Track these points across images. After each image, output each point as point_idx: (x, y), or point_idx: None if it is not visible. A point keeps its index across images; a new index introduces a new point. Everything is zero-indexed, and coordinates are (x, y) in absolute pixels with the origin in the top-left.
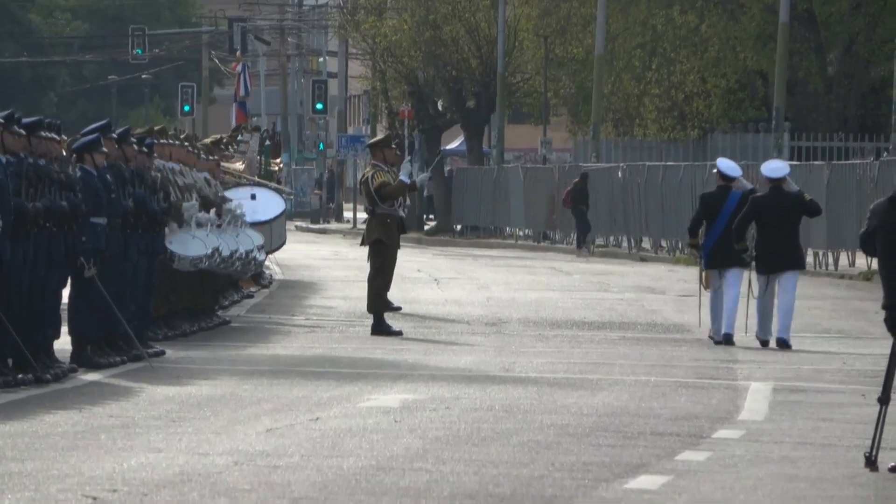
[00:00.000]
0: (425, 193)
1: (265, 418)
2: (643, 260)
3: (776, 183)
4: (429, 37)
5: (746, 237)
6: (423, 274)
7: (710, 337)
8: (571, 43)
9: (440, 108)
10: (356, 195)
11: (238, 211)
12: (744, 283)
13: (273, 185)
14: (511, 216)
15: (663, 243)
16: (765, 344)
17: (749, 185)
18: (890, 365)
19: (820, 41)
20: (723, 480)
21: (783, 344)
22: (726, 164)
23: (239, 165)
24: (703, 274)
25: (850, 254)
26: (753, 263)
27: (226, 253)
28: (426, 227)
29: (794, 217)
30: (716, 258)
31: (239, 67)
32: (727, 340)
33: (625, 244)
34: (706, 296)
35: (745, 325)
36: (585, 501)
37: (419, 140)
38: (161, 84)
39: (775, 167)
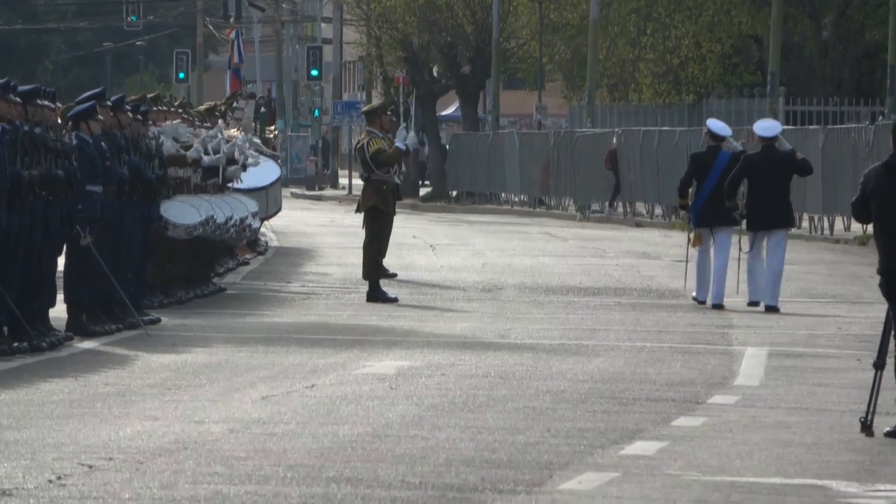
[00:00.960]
0: (419, 158)
1: (261, 386)
2: (638, 225)
3: (768, 142)
4: (423, 2)
5: (737, 195)
6: (418, 240)
7: (694, 298)
8: (566, 8)
9: (435, 73)
10: (351, 162)
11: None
12: (734, 247)
13: (267, 150)
14: (506, 182)
15: (658, 209)
16: (754, 304)
17: (739, 147)
18: (885, 330)
19: (814, 5)
20: (718, 446)
21: (772, 310)
22: (716, 125)
23: (234, 132)
24: (692, 234)
25: (845, 218)
26: (744, 222)
27: (220, 220)
28: (422, 193)
29: (786, 175)
30: (705, 217)
31: (233, 34)
32: (717, 308)
33: (620, 209)
34: (694, 260)
35: (736, 287)
36: (581, 467)
37: (414, 106)
38: (156, 51)
39: (768, 126)
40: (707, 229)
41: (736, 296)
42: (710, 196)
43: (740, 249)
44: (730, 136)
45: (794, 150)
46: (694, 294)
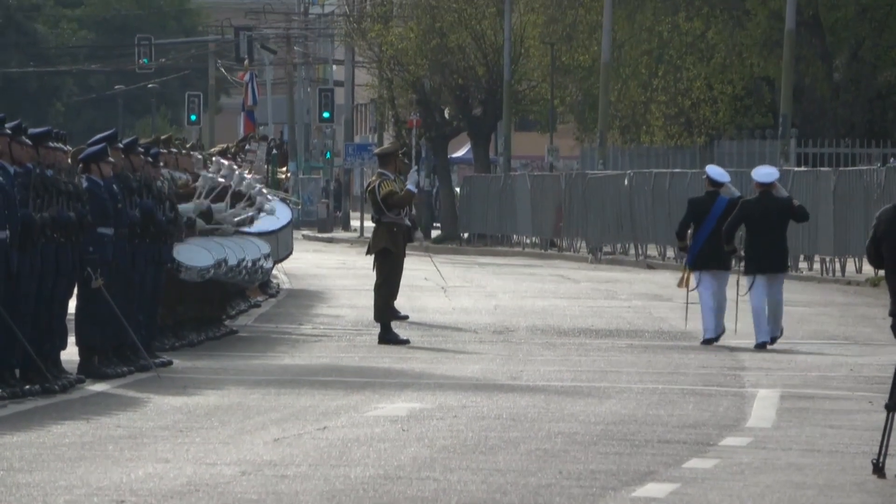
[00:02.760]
0: (435, 206)
1: (273, 428)
2: (650, 267)
3: (765, 188)
4: (435, 45)
5: (735, 240)
6: (430, 282)
7: (704, 342)
8: (578, 50)
9: (447, 115)
10: (363, 204)
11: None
12: (731, 289)
13: (280, 193)
14: (518, 224)
15: (670, 251)
16: (761, 347)
17: (737, 193)
18: None
19: (826, 47)
20: (730, 488)
21: (774, 341)
22: (715, 171)
23: (246, 174)
24: (686, 274)
25: (857, 260)
26: (742, 265)
27: (232, 262)
28: (433, 235)
29: (782, 221)
30: (702, 260)
31: (247, 77)
32: (715, 341)
33: (632, 251)
34: (693, 297)
35: (734, 329)
36: None
37: (426, 148)
38: (167, 93)
39: (765, 172)
40: (699, 272)
41: (734, 336)
42: (707, 240)
43: (738, 293)
44: (728, 182)
45: (791, 197)
46: (704, 337)
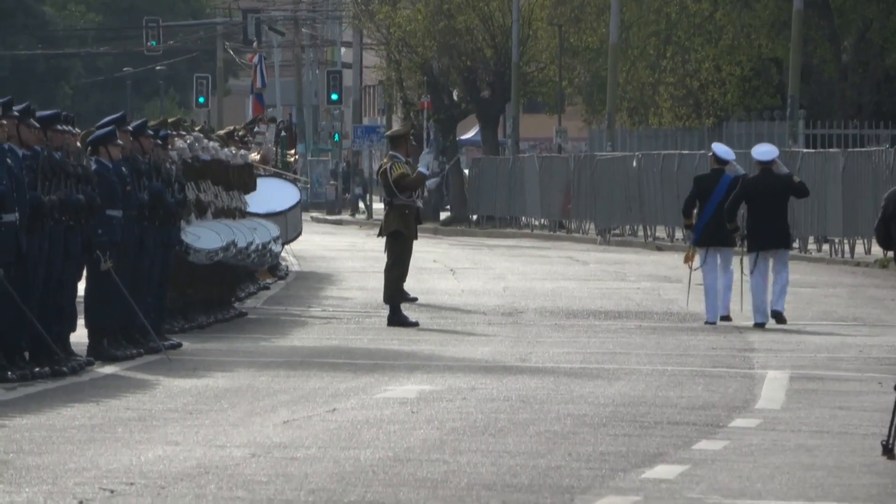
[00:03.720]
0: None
1: (282, 410)
2: (659, 249)
3: (765, 165)
4: (443, 26)
5: (737, 217)
6: (439, 264)
7: (707, 322)
8: (586, 32)
9: (455, 98)
10: (372, 186)
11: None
12: (735, 268)
13: (289, 174)
14: (527, 206)
15: (679, 233)
16: (759, 326)
17: (741, 171)
18: None
19: (834, 28)
20: (740, 469)
21: (778, 315)
22: (721, 149)
23: (254, 156)
24: (691, 251)
25: (865, 241)
26: (745, 242)
27: (241, 244)
28: (442, 218)
29: (783, 198)
30: (706, 237)
31: (255, 59)
32: (720, 320)
33: (640, 233)
34: (697, 278)
35: (740, 307)
36: (603, 491)
37: (434, 130)
38: (176, 76)
39: (764, 150)
40: (706, 249)
41: (740, 314)
42: (713, 217)
43: (742, 272)
44: (733, 161)
45: (791, 174)
46: (706, 319)
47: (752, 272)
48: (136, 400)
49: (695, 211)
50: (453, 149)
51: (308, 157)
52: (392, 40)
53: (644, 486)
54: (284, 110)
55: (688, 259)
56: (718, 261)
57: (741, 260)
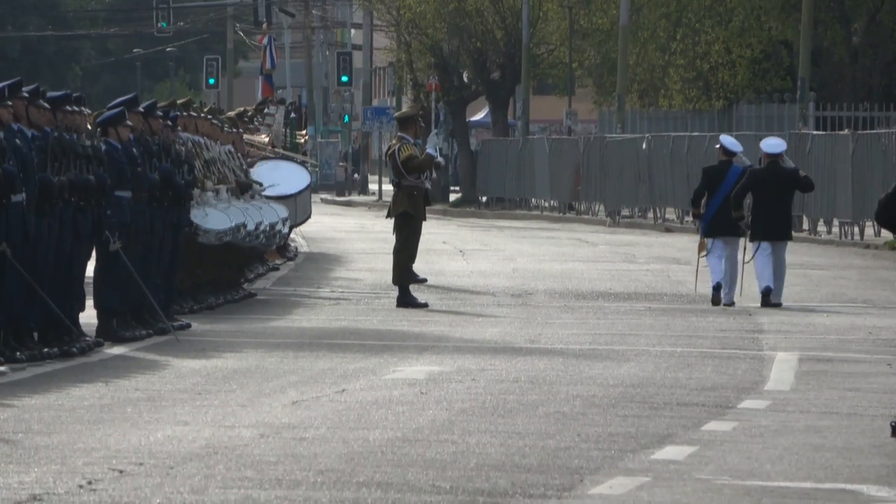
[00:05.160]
0: (450, 171)
1: (291, 391)
2: (668, 230)
3: (773, 158)
4: (453, 8)
5: (743, 207)
6: (448, 246)
7: (724, 304)
8: (596, 13)
9: (465, 79)
10: (381, 167)
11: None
12: (739, 253)
13: (298, 157)
14: (536, 187)
15: (688, 215)
16: (766, 293)
17: (748, 162)
18: None
19: (844, 10)
20: (749, 450)
21: (767, 294)
22: (728, 140)
23: (264, 138)
24: (701, 241)
25: (875, 224)
26: (749, 232)
27: (251, 226)
28: (451, 199)
29: (788, 190)
30: (715, 227)
31: (265, 40)
32: (728, 303)
33: (650, 215)
34: (703, 263)
35: (740, 290)
36: (612, 472)
37: (444, 112)
38: (186, 57)
39: (773, 143)
40: (714, 239)
41: (739, 298)
42: (720, 207)
43: (743, 258)
44: (740, 152)
45: (798, 168)
46: (724, 301)
47: (754, 258)
48: (145, 380)
49: (703, 201)
50: (463, 131)
51: (318, 139)
52: (402, 22)
53: (653, 467)
54: (294, 92)
55: (701, 249)
56: (726, 251)
57: (744, 247)
